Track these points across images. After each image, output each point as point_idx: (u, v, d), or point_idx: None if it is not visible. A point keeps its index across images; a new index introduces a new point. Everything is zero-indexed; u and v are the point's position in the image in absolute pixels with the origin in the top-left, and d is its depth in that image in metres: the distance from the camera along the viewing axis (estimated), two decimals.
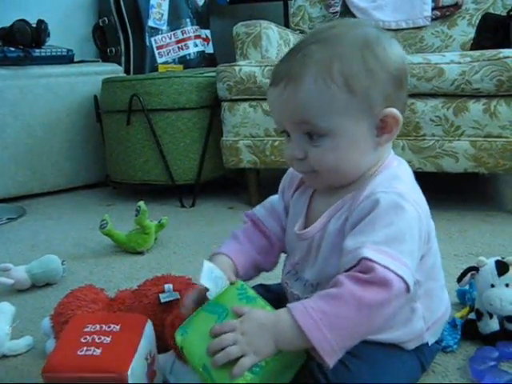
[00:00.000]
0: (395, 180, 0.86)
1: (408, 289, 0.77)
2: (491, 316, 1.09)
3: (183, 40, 3.38)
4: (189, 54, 3.40)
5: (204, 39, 3.53)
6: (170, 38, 3.35)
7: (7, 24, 2.69)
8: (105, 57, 3.36)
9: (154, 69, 3.26)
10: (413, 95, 2.00)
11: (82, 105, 2.93)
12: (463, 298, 1.27)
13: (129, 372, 0.82)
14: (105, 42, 3.38)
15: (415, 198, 0.85)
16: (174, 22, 3.36)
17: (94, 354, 0.85)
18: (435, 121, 2.02)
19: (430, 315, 0.94)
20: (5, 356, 1.17)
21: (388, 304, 0.76)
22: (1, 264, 1.56)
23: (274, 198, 1.08)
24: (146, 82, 2.53)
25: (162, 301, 1.07)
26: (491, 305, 1.08)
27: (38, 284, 1.58)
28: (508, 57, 1.90)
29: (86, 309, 1.10)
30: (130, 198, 2.60)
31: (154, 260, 1.78)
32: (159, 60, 3.30)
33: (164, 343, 0.99)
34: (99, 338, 0.88)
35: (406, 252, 0.79)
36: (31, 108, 2.78)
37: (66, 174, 2.92)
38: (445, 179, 2.40)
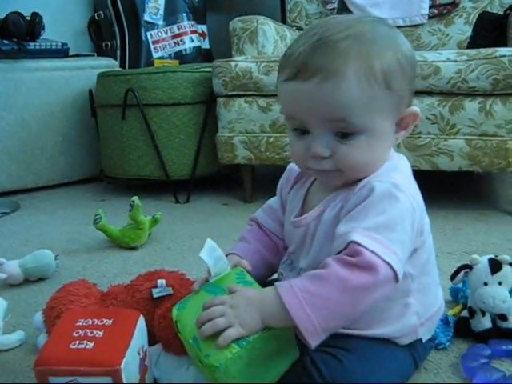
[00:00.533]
0: (394, 171, 0.87)
1: (396, 277, 0.78)
2: (484, 314, 1.09)
3: (179, 35, 3.38)
4: (185, 49, 3.39)
5: (200, 34, 3.52)
6: (166, 33, 3.34)
7: (1, 16, 2.67)
8: (100, 51, 3.35)
9: (150, 64, 3.25)
10: None
11: (77, 99, 2.92)
12: (456, 296, 1.27)
13: (122, 366, 0.82)
14: (100, 36, 3.37)
15: (411, 190, 0.85)
16: (171, 16, 3.35)
17: (87, 347, 0.84)
18: (431, 119, 2.02)
19: (423, 311, 0.94)
20: None
21: (373, 289, 0.77)
22: None
23: (272, 199, 1.10)
24: (141, 76, 2.52)
25: (155, 296, 1.06)
26: (484, 303, 1.08)
27: (31, 279, 1.57)
28: (504, 56, 1.90)
29: (78, 303, 1.09)
30: (124, 193, 2.60)
31: (148, 255, 1.78)
32: (155, 55, 3.29)
33: (153, 337, 0.99)
34: (92, 332, 0.87)
35: (396, 241, 0.79)
36: (25, 102, 2.76)
37: (60, 168, 2.91)
38: (440, 177, 2.40)
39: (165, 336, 0.97)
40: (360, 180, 0.87)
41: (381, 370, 0.86)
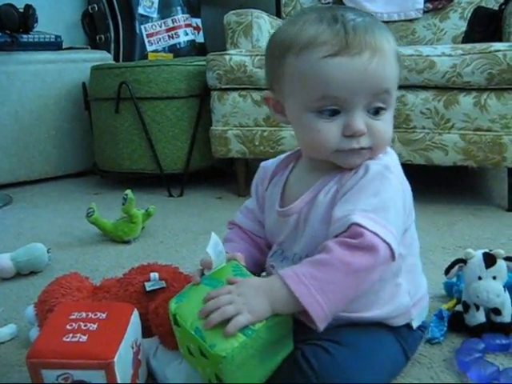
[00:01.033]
0: (385, 155, 0.91)
1: (393, 256, 0.81)
2: (478, 308, 1.09)
3: (173, 28, 3.36)
4: (179, 43, 3.37)
5: (194, 28, 3.50)
6: (161, 26, 3.32)
7: None
8: (94, 44, 3.33)
9: (144, 57, 3.24)
10: (403, 87, 1.99)
11: (71, 92, 2.90)
12: (450, 291, 1.27)
13: (115, 359, 0.82)
14: (94, 29, 3.35)
15: (401, 173, 0.91)
16: (165, 10, 3.33)
17: (80, 340, 0.84)
18: (425, 113, 2.02)
19: (414, 291, 0.97)
20: None
21: (374, 269, 0.80)
22: None
23: (248, 201, 1.11)
24: (135, 69, 2.51)
25: (148, 289, 1.06)
26: (478, 297, 1.08)
27: (23, 272, 1.56)
28: (499, 50, 1.90)
29: (70, 297, 1.09)
30: (117, 187, 2.58)
31: (141, 249, 1.77)
32: (149, 48, 3.27)
33: (148, 331, 0.99)
34: (85, 325, 0.87)
35: (392, 221, 0.82)
36: (18, 95, 2.75)
37: (53, 161, 2.89)
38: (434, 172, 2.40)
39: (159, 332, 0.97)
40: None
41: (371, 361, 0.86)
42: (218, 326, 0.77)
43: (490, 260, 1.09)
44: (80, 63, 2.92)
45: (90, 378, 0.82)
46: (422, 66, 1.97)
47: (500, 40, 2.31)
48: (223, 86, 2.29)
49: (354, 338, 0.87)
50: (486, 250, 1.12)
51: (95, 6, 3.28)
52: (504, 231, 1.79)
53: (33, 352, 0.83)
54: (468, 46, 1.99)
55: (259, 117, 2.25)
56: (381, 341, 0.91)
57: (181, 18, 3.39)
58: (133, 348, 0.90)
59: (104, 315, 0.90)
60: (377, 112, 0.88)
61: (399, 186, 0.87)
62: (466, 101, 1.97)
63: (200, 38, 3.56)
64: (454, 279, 1.22)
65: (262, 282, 0.82)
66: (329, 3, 2.92)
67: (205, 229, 1.88)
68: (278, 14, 3.09)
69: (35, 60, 2.79)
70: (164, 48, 3.33)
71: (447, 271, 1.15)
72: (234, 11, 2.49)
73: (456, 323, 1.12)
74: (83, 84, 2.83)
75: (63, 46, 2.99)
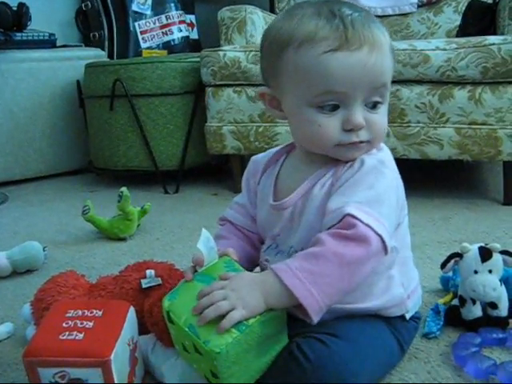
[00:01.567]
0: (380, 151, 0.93)
1: (385, 249, 0.82)
2: (474, 302, 1.09)
3: (167, 25, 3.35)
4: (173, 40, 3.36)
5: (188, 24, 3.49)
6: (154, 23, 3.31)
7: None
8: (88, 41, 3.31)
9: (138, 54, 3.23)
10: (398, 82, 1.99)
11: (65, 90, 2.89)
12: (446, 285, 1.27)
13: (112, 357, 0.82)
14: (88, 27, 3.33)
15: (395, 167, 0.92)
16: (158, 6, 3.32)
17: (77, 338, 0.84)
18: (420, 107, 2.02)
19: (408, 282, 0.98)
20: None
21: (367, 261, 0.81)
22: None
23: (237, 197, 1.12)
24: (129, 66, 2.50)
25: (144, 286, 1.06)
26: (474, 291, 1.08)
27: (19, 270, 1.56)
28: (494, 44, 1.90)
29: (66, 295, 1.09)
30: (113, 184, 2.58)
31: (137, 246, 1.77)
32: (143, 45, 3.27)
33: (145, 328, 0.99)
34: (82, 323, 0.87)
35: (385, 214, 0.83)
36: (13, 93, 2.74)
37: (48, 160, 2.89)
38: (429, 166, 2.40)
39: (154, 330, 0.97)
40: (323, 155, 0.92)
41: (367, 352, 0.87)
42: (212, 322, 0.77)
43: (485, 254, 1.09)
44: (74, 61, 2.91)
45: (86, 375, 0.82)
46: (416, 61, 1.97)
47: (494, 33, 2.31)
48: (218, 83, 2.29)
49: (350, 330, 0.87)
50: (482, 244, 1.12)
51: (88, 3, 3.27)
52: (500, 225, 1.80)
53: (29, 350, 0.83)
54: (462, 39, 1.99)
55: (254, 113, 2.25)
56: (376, 333, 0.91)
57: (174, 14, 3.38)
58: (129, 345, 0.90)
59: (100, 313, 0.90)
60: (374, 106, 0.89)
61: (393, 181, 0.89)
62: (460, 95, 1.97)
63: (194, 35, 3.55)
64: (450, 273, 1.22)
65: (255, 277, 0.82)
66: None
67: (200, 225, 1.84)
68: (272, 10, 3.08)
69: (29, 58, 2.78)
70: (158, 45, 3.32)
71: (443, 265, 1.15)
72: (227, 7, 2.49)
73: (452, 317, 1.12)
74: (77, 82, 2.83)
75: (57, 44, 2.98)
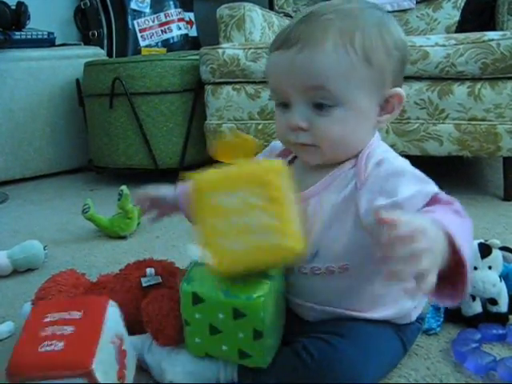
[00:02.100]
0: (387, 152, 0.91)
1: None
2: (474, 298, 1.09)
3: (166, 23, 3.35)
4: (172, 38, 3.37)
5: (187, 22, 3.49)
6: (153, 21, 3.31)
7: None
8: (87, 40, 3.32)
9: (137, 52, 3.23)
10: None
11: (64, 89, 2.89)
12: None
13: (93, 366, 0.79)
14: (86, 25, 3.34)
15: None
16: (157, 4, 3.33)
17: (55, 349, 0.81)
18: (420, 104, 2.01)
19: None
20: None
21: None
22: None
23: None
24: (128, 65, 2.50)
25: (144, 285, 1.06)
26: (474, 287, 1.08)
27: (20, 269, 1.56)
28: (493, 39, 1.89)
29: (66, 294, 1.09)
30: (113, 183, 2.58)
31: (137, 244, 1.77)
32: (142, 43, 3.27)
33: (142, 326, 0.98)
34: (60, 330, 0.84)
35: None
36: (12, 92, 2.74)
37: (48, 158, 2.89)
38: (429, 163, 2.39)
39: (149, 329, 0.96)
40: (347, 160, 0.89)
41: (372, 352, 0.86)
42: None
43: (485, 250, 1.09)
44: (73, 59, 2.91)
45: None
46: (415, 57, 1.97)
47: (493, 29, 2.30)
48: (217, 80, 2.29)
49: (355, 331, 0.87)
50: (482, 240, 1.12)
51: (87, 1, 3.27)
52: (500, 220, 1.80)
53: (11, 368, 0.81)
54: (461, 35, 1.98)
55: (253, 110, 2.25)
56: (380, 333, 0.91)
57: (173, 12, 3.38)
58: (114, 343, 0.87)
59: (79, 314, 0.87)
60: (322, 107, 0.84)
61: None
62: (460, 91, 1.96)
63: (193, 32, 3.56)
64: None
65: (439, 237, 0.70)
66: None
67: None
68: (271, 7, 3.08)
69: (28, 57, 2.78)
70: (157, 43, 3.32)
71: None
72: (226, 5, 2.48)
73: (452, 314, 1.12)
74: (77, 80, 2.82)
75: (56, 43, 2.98)
